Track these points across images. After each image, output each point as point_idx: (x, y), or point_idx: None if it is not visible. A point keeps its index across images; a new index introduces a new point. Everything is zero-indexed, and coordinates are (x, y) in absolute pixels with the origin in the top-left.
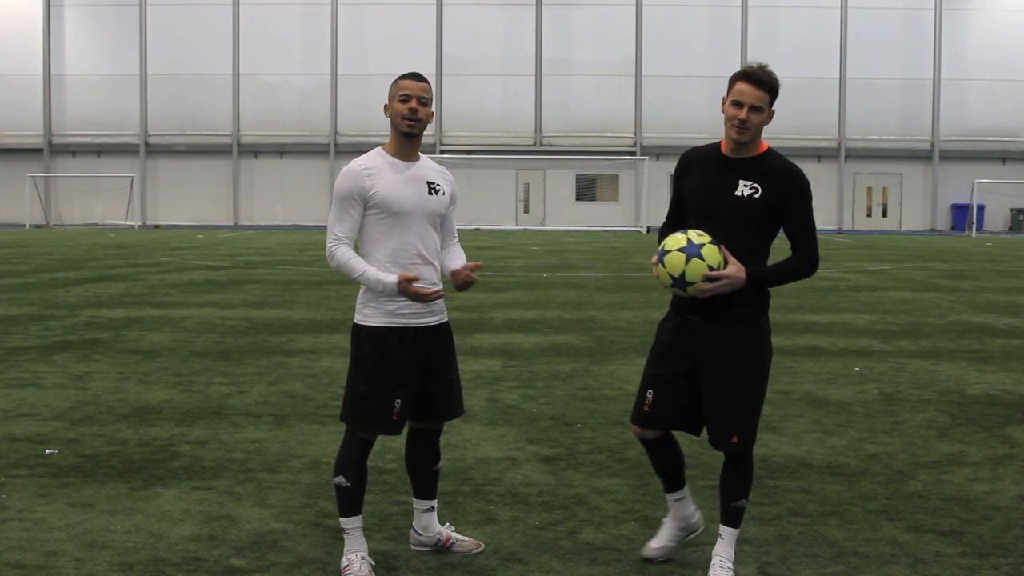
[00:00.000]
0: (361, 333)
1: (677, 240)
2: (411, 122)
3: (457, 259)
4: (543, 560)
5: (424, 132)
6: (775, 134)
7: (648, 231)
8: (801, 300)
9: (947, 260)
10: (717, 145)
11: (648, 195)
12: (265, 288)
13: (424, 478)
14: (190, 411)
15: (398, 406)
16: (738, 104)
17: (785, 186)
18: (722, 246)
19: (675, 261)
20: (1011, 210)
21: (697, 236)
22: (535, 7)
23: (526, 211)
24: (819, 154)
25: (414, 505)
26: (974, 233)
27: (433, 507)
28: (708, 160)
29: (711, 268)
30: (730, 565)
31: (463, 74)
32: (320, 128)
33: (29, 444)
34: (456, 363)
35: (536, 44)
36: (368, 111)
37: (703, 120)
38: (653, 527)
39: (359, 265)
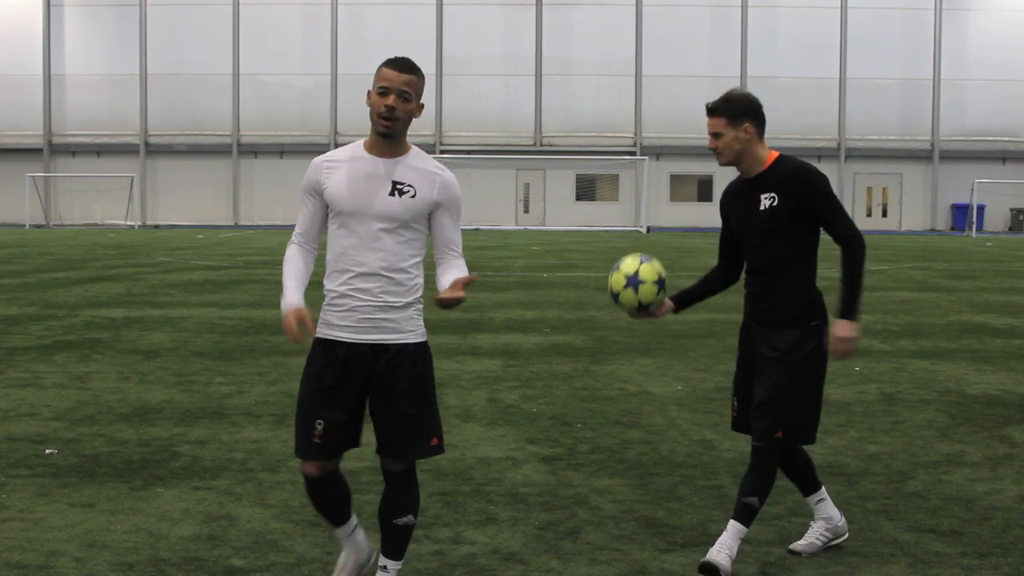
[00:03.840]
0: (311, 345)
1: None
2: (387, 122)
3: (448, 275)
4: (543, 560)
5: (406, 130)
6: (775, 134)
7: (648, 231)
8: None
9: (947, 260)
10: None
11: (648, 195)
12: (265, 288)
13: (388, 531)
14: (190, 411)
15: (319, 427)
16: (711, 136)
17: (795, 185)
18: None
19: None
20: (1011, 210)
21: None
22: (535, 7)
23: (526, 211)
24: (819, 154)
25: (378, 561)
26: (974, 233)
27: (387, 569)
28: (735, 190)
29: (640, 304)
30: (727, 552)
31: (463, 74)
32: (320, 128)
33: (29, 444)
34: (425, 393)
35: (536, 44)
36: (367, 111)
37: (703, 120)
38: (653, 527)
39: (285, 278)
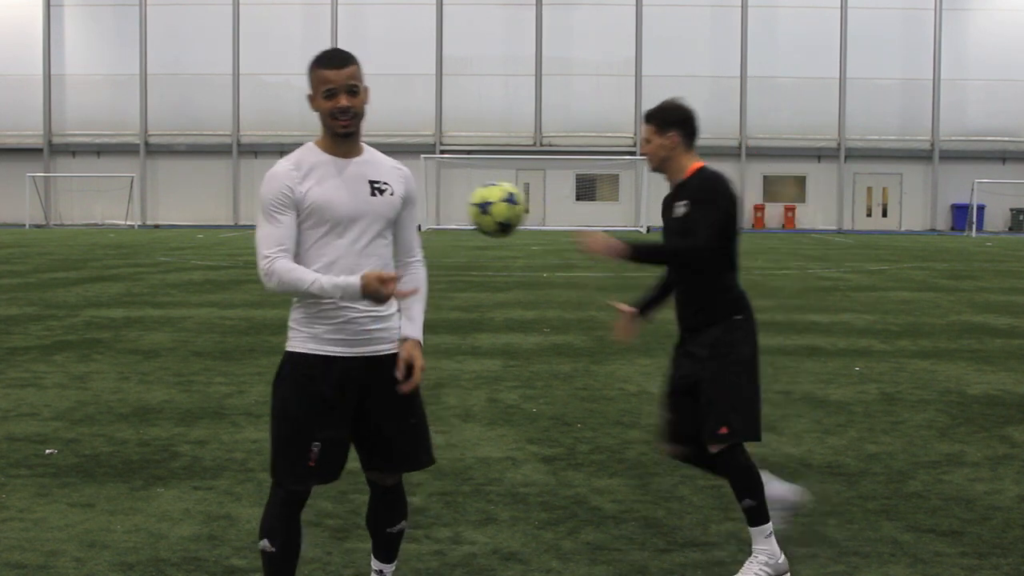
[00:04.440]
0: (284, 361)
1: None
2: (345, 122)
3: (414, 305)
4: (543, 560)
5: (361, 124)
6: (775, 134)
7: (648, 231)
8: (801, 300)
9: (947, 260)
10: None
11: (648, 195)
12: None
13: (382, 539)
14: (190, 411)
15: (316, 449)
16: (642, 141)
17: (694, 190)
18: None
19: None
20: (1011, 210)
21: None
22: (535, 7)
23: (526, 211)
24: (819, 154)
25: (372, 564)
26: (974, 233)
27: (383, 573)
28: (665, 197)
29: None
30: (763, 559)
31: (463, 74)
32: (320, 128)
33: (29, 444)
34: (421, 401)
35: (536, 44)
36: (368, 111)
37: (703, 120)
38: (653, 527)
39: (306, 275)
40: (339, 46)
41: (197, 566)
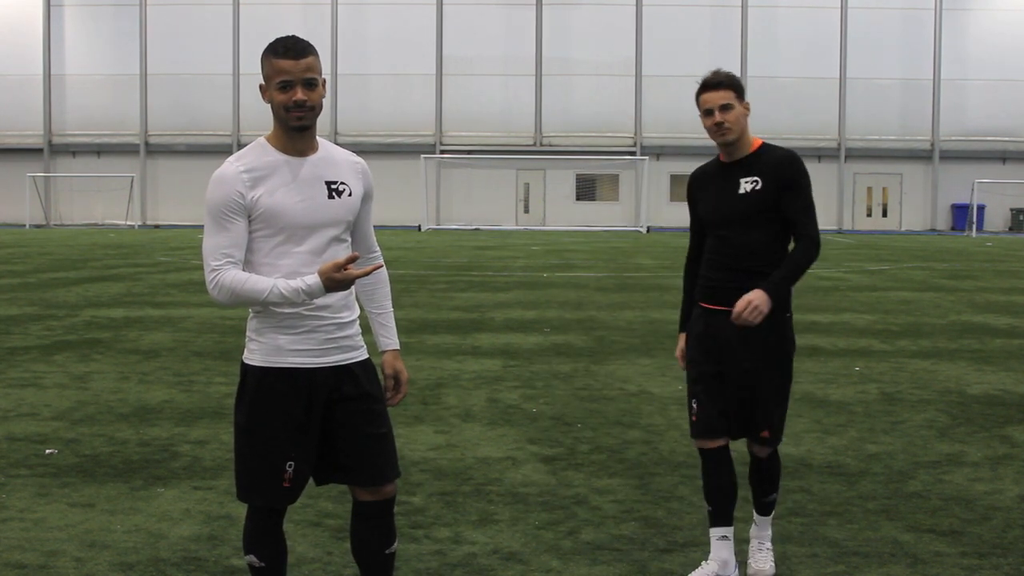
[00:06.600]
0: (246, 375)
1: None
2: (300, 114)
3: (384, 317)
4: (543, 560)
5: (318, 117)
6: (775, 134)
7: (648, 231)
8: (801, 300)
9: (947, 260)
10: (717, 158)
11: (648, 195)
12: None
13: (373, 565)
14: (190, 411)
15: (290, 470)
16: (708, 112)
17: (780, 171)
18: None
19: None
20: (1011, 210)
21: None
22: (535, 7)
23: (526, 211)
24: (819, 154)
25: None
26: (974, 233)
27: None
28: (710, 173)
29: None
30: (768, 545)
31: (463, 74)
32: (320, 128)
33: (29, 444)
34: (387, 411)
35: (536, 44)
36: (368, 111)
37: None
38: (653, 527)
39: (261, 284)
40: (339, 46)
41: (197, 566)
